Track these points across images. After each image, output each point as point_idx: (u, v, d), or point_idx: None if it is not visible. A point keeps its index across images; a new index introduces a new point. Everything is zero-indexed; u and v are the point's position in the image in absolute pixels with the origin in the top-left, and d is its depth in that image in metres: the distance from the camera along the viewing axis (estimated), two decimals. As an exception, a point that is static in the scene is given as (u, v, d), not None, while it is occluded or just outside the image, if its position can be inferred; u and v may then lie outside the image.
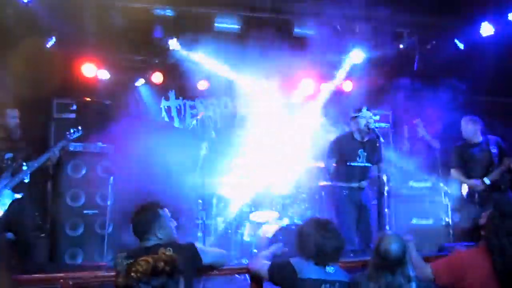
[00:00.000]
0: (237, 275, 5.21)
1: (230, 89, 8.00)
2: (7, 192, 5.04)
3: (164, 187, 6.24)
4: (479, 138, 5.73)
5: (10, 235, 5.33)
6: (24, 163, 5.19)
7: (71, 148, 5.83)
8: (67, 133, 5.44)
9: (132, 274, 1.95)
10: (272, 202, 6.29)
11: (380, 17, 7.14)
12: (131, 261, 2.95)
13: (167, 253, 2.12)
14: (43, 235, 6.17)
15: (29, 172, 5.16)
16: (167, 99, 8.08)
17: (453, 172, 5.88)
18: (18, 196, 5.11)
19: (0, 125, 5.11)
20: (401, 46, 7.59)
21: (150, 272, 1.95)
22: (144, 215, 3.17)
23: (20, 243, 5.18)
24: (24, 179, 5.18)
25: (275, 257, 3.39)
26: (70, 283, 3.50)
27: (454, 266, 3.16)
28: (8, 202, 5.03)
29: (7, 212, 5.03)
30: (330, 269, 2.89)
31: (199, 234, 6.10)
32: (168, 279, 1.97)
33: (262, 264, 3.19)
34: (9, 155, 5.15)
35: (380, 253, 2.83)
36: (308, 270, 2.89)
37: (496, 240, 3.00)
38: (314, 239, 2.88)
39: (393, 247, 2.82)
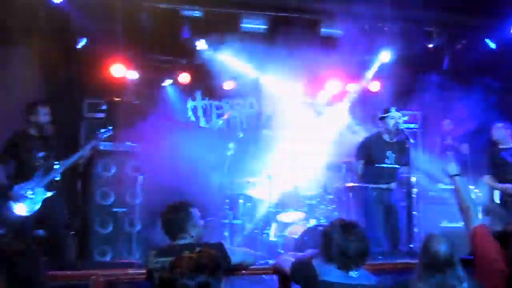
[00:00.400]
0: (264, 276, 5.21)
1: (256, 89, 8.00)
2: (40, 190, 5.15)
3: (192, 186, 6.29)
4: (511, 143, 5.72)
5: (41, 232, 5.45)
6: (56, 162, 5.30)
7: (101, 147, 5.91)
8: (98, 132, 5.51)
9: (177, 269, 1.95)
10: (299, 202, 6.26)
11: (409, 16, 7.04)
12: (162, 259, 3.01)
13: (209, 251, 2.11)
14: (73, 232, 6.29)
15: (61, 170, 5.26)
16: (193, 99, 8.14)
17: (486, 177, 5.81)
18: (50, 194, 5.21)
19: (32, 122, 5.19)
20: (430, 45, 7.45)
21: (194, 268, 1.94)
22: (177, 214, 3.19)
23: (52, 240, 5.28)
24: (56, 177, 5.29)
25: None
26: (101, 280, 3.56)
27: (486, 243, 3.09)
28: (40, 200, 5.14)
29: (39, 209, 5.14)
30: (354, 273, 2.78)
31: (226, 233, 6.13)
32: (210, 276, 1.96)
33: (286, 260, 3.16)
34: (41, 153, 5.24)
35: (429, 254, 2.79)
36: (329, 273, 2.80)
37: None
38: (337, 242, 2.78)
39: (442, 248, 2.77)
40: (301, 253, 3.46)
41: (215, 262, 2.02)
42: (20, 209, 5.05)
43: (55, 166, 5.25)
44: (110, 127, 5.59)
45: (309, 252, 3.43)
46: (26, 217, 5.09)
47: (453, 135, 7.23)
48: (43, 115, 5.18)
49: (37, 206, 5.12)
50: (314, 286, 2.86)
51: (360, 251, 2.78)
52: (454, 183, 3.35)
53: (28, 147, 5.20)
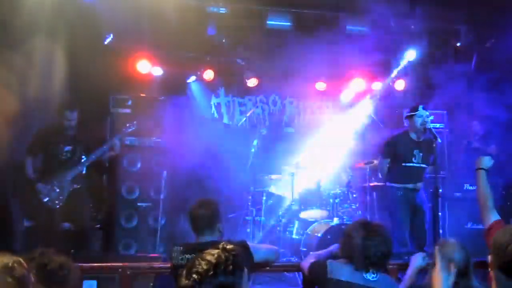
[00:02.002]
0: (286, 273, 5.21)
1: (279, 86, 7.99)
2: (66, 183, 5.24)
3: (215, 183, 6.33)
4: None
5: (67, 225, 5.55)
6: (83, 156, 5.39)
7: (127, 142, 5.99)
8: (123, 127, 5.59)
9: (194, 275, 1.83)
10: (322, 201, 6.24)
11: (436, 14, 6.93)
12: (188, 256, 3.02)
13: (228, 247, 1.97)
14: (98, 226, 6.39)
15: (86, 164, 5.35)
16: (217, 96, 8.18)
17: None
18: (76, 187, 5.30)
19: (60, 121, 5.32)
20: (458, 44, 7.32)
21: (212, 271, 1.83)
22: (206, 210, 3.18)
23: (77, 233, 5.38)
24: (82, 171, 5.38)
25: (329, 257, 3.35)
26: (128, 272, 3.60)
27: None
28: (66, 193, 5.24)
29: (65, 202, 5.23)
30: (371, 276, 2.70)
31: (249, 230, 6.14)
32: (230, 275, 1.86)
33: (308, 261, 3.14)
34: (68, 147, 5.35)
35: (444, 260, 2.72)
36: (342, 272, 2.75)
37: None
38: (357, 242, 2.72)
39: (457, 256, 2.71)
40: (324, 250, 3.45)
41: (233, 260, 1.90)
42: (47, 201, 5.15)
43: (81, 160, 5.35)
44: (134, 122, 5.66)
45: (331, 247, 3.39)
46: (53, 209, 5.19)
47: (480, 136, 7.09)
48: (69, 120, 5.29)
49: (63, 199, 5.21)
50: (323, 283, 2.82)
51: (380, 253, 2.70)
52: (477, 176, 3.27)
53: (56, 141, 5.31)
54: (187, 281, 1.83)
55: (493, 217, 3.11)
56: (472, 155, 7.23)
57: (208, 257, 1.85)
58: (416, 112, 5.22)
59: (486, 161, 3.32)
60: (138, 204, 6.07)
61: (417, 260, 3.14)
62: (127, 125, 5.69)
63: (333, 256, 3.30)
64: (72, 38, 6.07)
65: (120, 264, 3.62)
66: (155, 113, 6.40)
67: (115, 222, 6.00)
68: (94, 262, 3.71)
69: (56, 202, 5.21)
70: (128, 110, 6.63)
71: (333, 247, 3.39)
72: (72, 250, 4.48)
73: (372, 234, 2.74)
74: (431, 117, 5.59)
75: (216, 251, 1.90)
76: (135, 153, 6.17)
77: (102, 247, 6.08)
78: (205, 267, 1.82)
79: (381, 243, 2.72)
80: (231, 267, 1.86)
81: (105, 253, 5.83)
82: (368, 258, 2.68)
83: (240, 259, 1.93)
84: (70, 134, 5.38)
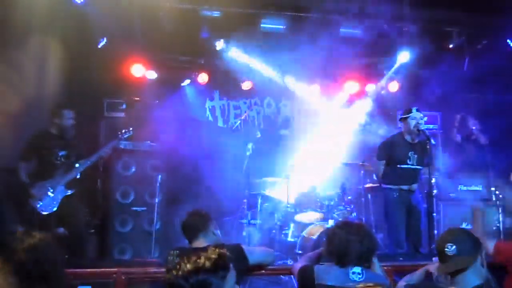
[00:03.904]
0: (281, 276, 5.20)
1: (274, 89, 8.00)
2: (60, 188, 5.20)
3: (210, 186, 6.32)
4: None
5: (61, 230, 5.51)
6: (77, 161, 5.35)
7: (122, 146, 5.96)
8: (119, 133, 5.56)
9: (173, 271, 2.01)
10: (317, 203, 6.24)
11: (429, 16, 6.97)
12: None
13: (217, 250, 2.12)
14: (92, 230, 6.35)
15: (81, 169, 5.31)
16: (211, 99, 8.18)
17: None
18: (70, 192, 5.26)
19: (55, 123, 5.26)
20: (450, 46, 7.36)
21: (190, 270, 1.98)
22: (199, 217, 3.22)
23: (73, 238, 5.33)
24: (77, 176, 5.34)
25: (318, 260, 3.36)
26: (123, 277, 3.58)
27: None
28: (60, 198, 5.20)
29: (60, 207, 5.19)
30: (357, 276, 2.74)
31: (244, 233, 6.13)
32: (210, 276, 1.99)
33: (298, 266, 3.16)
34: (62, 152, 5.30)
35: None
36: (329, 276, 2.78)
37: None
38: (338, 238, 2.80)
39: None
40: (314, 252, 3.47)
41: (217, 261, 2.04)
42: (41, 206, 5.11)
43: (75, 165, 5.31)
44: (131, 128, 5.63)
45: (317, 251, 3.43)
46: (47, 215, 5.15)
47: (477, 130, 7.15)
48: (68, 118, 5.26)
49: (57, 204, 5.17)
50: None
51: (361, 249, 2.76)
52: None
53: (49, 145, 5.26)
54: (172, 277, 2.01)
55: (493, 241, 3.46)
56: (466, 155, 7.31)
57: (194, 257, 2.02)
58: (410, 114, 5.25)
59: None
60: (133, 208, 6.05)
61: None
62: (123, 130, 5.64)
63: (323, 256, 3.32)
64: (66, 42, 6.05)
65: (115, 269, 3.61)
66: (150, 117, 6.38)
67: (110, 226, 5.97)
68: (89, 268, 3.69)
69: (50, 207, 5.16)
70: (122, 114, 6.61)
71: (318, 251, 3.42)
72: (66, 256, 4.43)
73: (352, 231, 2.81)
74: (425, 119, 5.63)
75: (204, 253, 2.07)
76: (130, 157, 6.14)
77: (97, 252, 6.04)
78: (189, 265, 1.99)
79: (362, 239, 2.78)
80: (214, 267, 2.00)
81: (99, 259, 5.79)
82: (350, 254, 2.74)
83: (225, 261, 2.07)
84: (65, 139, 5.34)
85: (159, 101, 6.89)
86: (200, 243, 3.18)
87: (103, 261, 5.20)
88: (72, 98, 6.09)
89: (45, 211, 5.10)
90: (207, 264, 2.00)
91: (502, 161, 6.11)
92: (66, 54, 6.09)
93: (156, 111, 6.65)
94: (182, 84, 7.63)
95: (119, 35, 6.63)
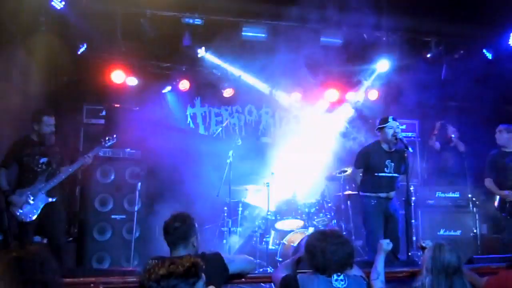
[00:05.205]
0: (262, 284, 5.20)
1: (255, 97, 8.03)
2: (41, 196, 5.13)
3: (190, 194, 6.29)
4: None
5: (38, 238, 5.42)
6: (58, 168, 5.28)
7: (101, 154, 5.89)
8: (102, 140, 5.51)
9: (147, 274, 2.12)
10: (297, 210, 6.28)
11: (407, 26, 7.10)
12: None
13: (192, 259, 2.22)
14: (70, 239, 6.27)
15: (64, 177, 5.23)
16: (193, 106, 8.18)
17: (487, 182, 5.84)
18: (51, 200, 5.19)
19: (35, 130, 5.19)
20: (428, 55, 7.51)
21: (163, 274, 2.09)
22: (181, 224, 3.16)
23: (51, 247, 5.25)
24: (58, 183, 5.26)
25: (296, 265, 3.39)
26: (101, 287, 3.54)
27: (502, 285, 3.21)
28: (41, 205, 5.12)
29: (40, 215, 5.11)
30: (340, 283, 2.80)
31: (225, 241, 6.12)
32: (180, 282, 2.09)
33: (279, 275, 3.18)
34: (43, 159, 5.23)
35: (438, 262, 2.83)
36: (313, 286, 2.82)
37: None
38: (318, 249, 2.84)
39: (453, 257, 2.87)
40: (289, 260, 3.50)
41: (190, 268, 2.14)
42: (21, 214, 5.03)
43: (57, 172, 5.24)
44: (115, 135, 5.57)
45: (294, 257, 3.45)
46: (26, 222, 5.07)
47: (455, 138, 7.29)
48: (47, 125, 5.16)
49: (38, 212, 5.09)
50: None
51: (340, 257, 2.82)
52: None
53: (30, 152, 5.19)
54: (144, 279, 2.14)
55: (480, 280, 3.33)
56: (444, 162, 7.44)
57: (168, 263, 2.15)
58: (387, 124, 5.31)
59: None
60: (112, 216, 5.97)
61: (382, 246, 3.44)
62: (107, 138, 5.57)
63: (300, 261, 3.35)
64: (46, 48, 5.98)
65: (93, 279, 3.56)
66: (130, 124, 6.33)
67: (88, 235, 5.88)
68: (66, 277, 3.62)
69: (30, 215, 5.08)
70: (101, 121, 6.54)
71: (297, 255, 3.44)
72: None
73: (329, 240, 2.86)
74: (403, 126, 5.72)
75: (179, 259, 2.19)
76: (109, 164, 6.07)
77: (74, 261, 5.94)
78: (163, 270, 2.12)
79: (339, 245, 2.84)
80: (186, 274, 2.12)
81: (77, 268, 5.70)
82: (331, 263, 2.80)
83: (197, 269, 2.18)
84: (46, 145, 5.27)
85: (139, 108, 6.85)
86: (181, 251, 3.15)
87: (81, 271, 5.10)
88: (51, 104, 6.02)
89: (25, 219, 5.03)
90: (180, 270, 2.11)
91: (480, 168, 6.23)
92: (46, 60, 6.02)
93: (137, 118, 6.60)
94: (163, 91, 7.60)
95: (99, 41, 6.60)
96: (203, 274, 2.19)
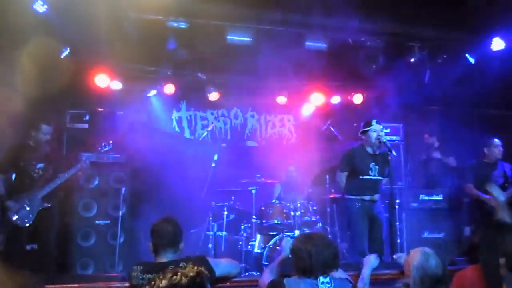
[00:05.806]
0: (247, 288, 5.18)
1: (241, 100, 8.03)
2: (37, 201, 5.09)
3: (176, 198, 6.26)
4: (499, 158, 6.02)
5: (29, 247, 5.36)
6: (54, 174, 5.25)
7: (83, 158, 5.83)
8: (98, 146, 5.50)
9: (148, 287, 2.05)
10: (283, 214, 6.27)
11: (392, 31, 7.17)
12: (149, 275, 2.98)
13: (195, 268, 2.14)
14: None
15: (60, 182, 5.20)
16: (178, 109, 8.15)
17: (468, 187, 5.94)
18: (47, 205, 5.15)
19: (32, 136, 5.18)
20: (412, 60, 7.59)
21: (165, 287, 1.99)
22: (171, 226, 3.15)
23: (42, 252, 5.21)
24: (53, 189, 5.21)
25: (282, 267, 3.41)
26: (84, 293, 3.51)
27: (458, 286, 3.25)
28: (37, 211, 5.08)
29: (34, 221, 5.07)
30: (325, 285, 2.84)
31: (210, 245, 6.10)
32: None
33: (265, 280, 3.19)
34: (40, 165, 5.22)
35: (420, 269, 2.85)
36: None
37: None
38: (304, 251, 2.88)
39: (439, 264, 2.88)
40: (274, 263, 3.52)
41: (195, 279, 2.06)
42: (16, 219, 4.98)
43: (53, 178, 5.20)
44: (111, 141, 5.56)
45: (279, 258, 3.51)
46: (21, 228, 5.02)
47: (436, 148, 7.36)
48: (44, 133, 5.20)
49: (33, 218, 5.05)
50: None
51: (325, 258, 2.86)
52: None
53: (27, 158, 5.17)
54: None
55: None
56: (428, 165, 7.52)
57: (170, 274, 2.04)
58: (370, 127, 5.37)
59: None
60: (96, 221, 5.92)
61: (370, 261, 3.52)
62: (103, 143, 5.57)
63: (285, 263, 3.37)
64: (27, 52, 5.91)
65: (76, 285, 3.54)
66: (114, 128, 6.28)
67: (72, 240, 5.82)
68: (49, 284, 3.60)
69: (26, 220, 5.04)
70: (85, 125, 6.49)
71: (282, 257, 3.46)
72: (27, 271, 4.31)
73: (313, 243, 2.90)
74: (387, 130, 5.77)
75: (181, 269, 2.09)
76: (92, 169, 6.01)
77: (58, 267, 5.86)
78: (165, 281, 2.02)
79: (324, 246, 2.89)
80: (191, 285, 2.04)
81: (61, 274, 5.62)
82: (316, 265, 2.84)
83: (203, 279, 2.11)
84: (42, 151, 5.25)
85: (124, 112, 6.80)
86: (168, 255, 3.13)
87: (65, 277, 5.04)
88: (33, 108, 5.94)
89: (20, 224, 4.99)
90: (184, 281, 2.01)
91: (464, 176, 6.32)
92: (27, 64, 5.94)
93: (121, 122, 6.55)
94: (148, 95, 7.56)
95: (83, 45, 6.53)
96: (209, 285, 2.11)
